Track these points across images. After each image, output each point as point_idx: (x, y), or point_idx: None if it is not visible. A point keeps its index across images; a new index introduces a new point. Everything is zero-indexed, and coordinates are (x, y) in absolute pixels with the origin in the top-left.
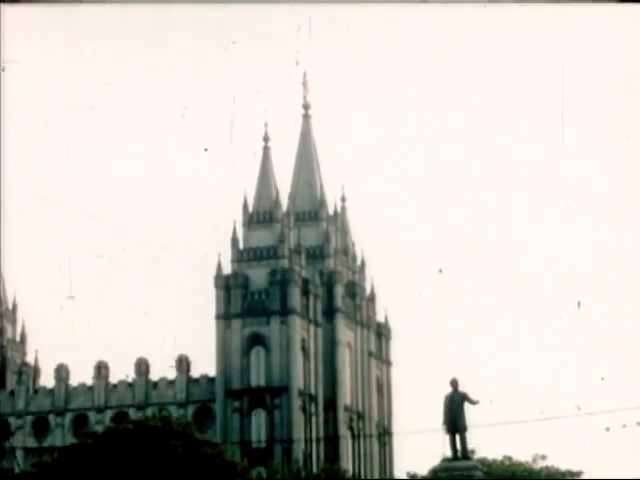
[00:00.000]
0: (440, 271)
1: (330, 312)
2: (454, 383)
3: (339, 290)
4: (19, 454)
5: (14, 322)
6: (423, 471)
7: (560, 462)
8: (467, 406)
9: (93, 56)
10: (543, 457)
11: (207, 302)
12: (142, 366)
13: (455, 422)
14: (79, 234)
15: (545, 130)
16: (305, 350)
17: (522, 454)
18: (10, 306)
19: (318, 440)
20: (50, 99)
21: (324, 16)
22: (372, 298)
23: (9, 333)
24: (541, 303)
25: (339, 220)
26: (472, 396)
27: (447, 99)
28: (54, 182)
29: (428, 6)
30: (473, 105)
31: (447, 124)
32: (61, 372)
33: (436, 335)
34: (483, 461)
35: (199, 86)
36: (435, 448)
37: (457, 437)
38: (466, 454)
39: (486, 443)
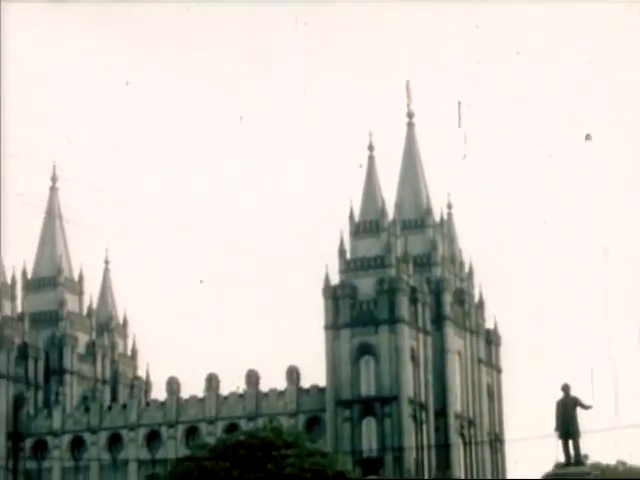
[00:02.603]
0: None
1: (439, 320)
2: (566, 388)
3: (447, 298)
4: (132, 466)
5: (125, 337)
6: (536, 477)
7: None
8: (579, 411)
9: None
10: None
11: (316, 313)
12: (252, 377)
13: (568, 427)
14: (188, 248)
15: None
16: (414, 358)
17: (637, 459)
18: (121, 321)
19: (429, 448)
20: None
21: (427, 24)
22: (481, 305)
23: (120, 348)
24: None
25: (445, 227)
26: (584, 401)
27: (556, 105)
28: (160, 199)
29: (540, 6)
30: (585, 112)
31: (552, 128)
32: (172, 385)
33: (546, 340)
34: (597, 466)
35: (305, 97)
36: (548, 454)
37: (570, 442)
38: (579, 459)
39: (599, 448)
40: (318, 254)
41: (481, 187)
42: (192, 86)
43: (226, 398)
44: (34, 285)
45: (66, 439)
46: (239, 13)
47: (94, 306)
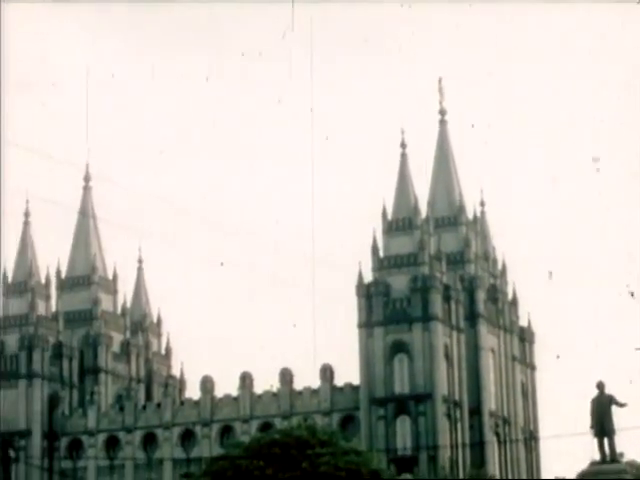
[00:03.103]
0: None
1: (472, 317)
2: (600, 386)
3: (481, 295)
4: (167, 465)
5: (159, 336)
6: (571, 475)
7: None
8: (615, 409)
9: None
10: None
11: (349, 311)
12: (286, 376)
13: (603, 425)
14: (222, 247)
15: None
16: (448, 356)
17: None
18: (155, 320)
19: (464, 446)
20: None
21: (459, 20)
22: (514, 302)
23: (154, 347)
24: None
25: (479, 225)
26: (619, 398)
27: (586, 97)
28: (193, 198)
29: (568, 5)
30: (618, 100)
31: (586, 122)
32: (206, 384)
33: (581, 337)
34: (632, 464)
35: (336, 96)
36: (583, 452)
37: (605, 440)
38: (615, 457)
39: (635, 446)
40: (351, 252)
41: (514, 184)
42: (218, 84)
43: (260, 397)
44: (68, 284)
45: (101, 438)
46: (265, 11)
47: (128, 305)
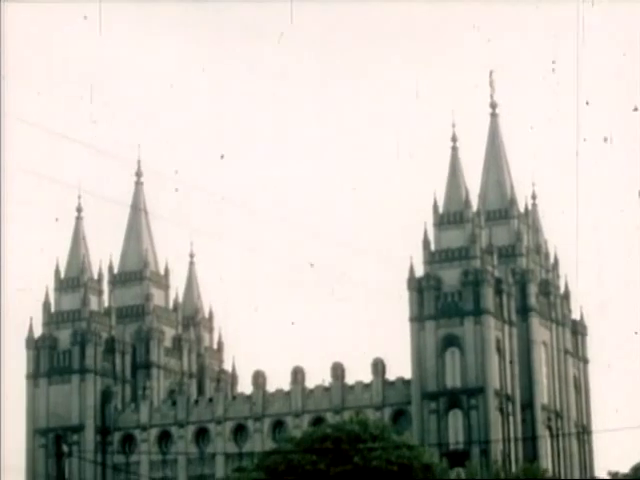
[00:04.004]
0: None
1: (524, 311)
2: None
3: (532, 289)
4: (219, 460)
5: (211, 330)
6: (625, 469)
7: None
8: None
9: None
10: None
11: (400, 305)
12: (338, 370)
13: None
14: (271, 240)
15: None
16: (500, 350)
17: None
18: (207, 314)
19: (516, 440)
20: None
21: (506, 13)
22: (566, 296)
23: (206, 341)
24: None
25: (530, 218)
26: None
27: None
28: (244, 192)
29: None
30: None
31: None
32: (258, 378)
33: (633, 331)
34: None
35: (386, 90)
36: (636, 446)
37: None
38: None
39: None
40: (402, 246)
41: (566, 177)
42: (266, 78)
43: (312, 391)
44: (120, 280)
45: (154, 433)
46: (321, 10)
47: (180, 300)
